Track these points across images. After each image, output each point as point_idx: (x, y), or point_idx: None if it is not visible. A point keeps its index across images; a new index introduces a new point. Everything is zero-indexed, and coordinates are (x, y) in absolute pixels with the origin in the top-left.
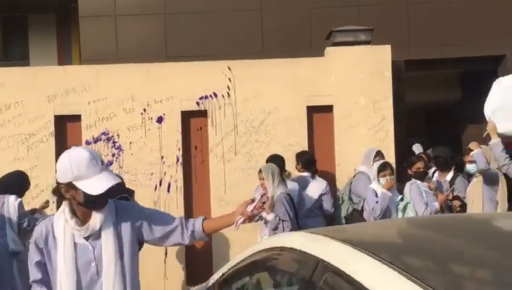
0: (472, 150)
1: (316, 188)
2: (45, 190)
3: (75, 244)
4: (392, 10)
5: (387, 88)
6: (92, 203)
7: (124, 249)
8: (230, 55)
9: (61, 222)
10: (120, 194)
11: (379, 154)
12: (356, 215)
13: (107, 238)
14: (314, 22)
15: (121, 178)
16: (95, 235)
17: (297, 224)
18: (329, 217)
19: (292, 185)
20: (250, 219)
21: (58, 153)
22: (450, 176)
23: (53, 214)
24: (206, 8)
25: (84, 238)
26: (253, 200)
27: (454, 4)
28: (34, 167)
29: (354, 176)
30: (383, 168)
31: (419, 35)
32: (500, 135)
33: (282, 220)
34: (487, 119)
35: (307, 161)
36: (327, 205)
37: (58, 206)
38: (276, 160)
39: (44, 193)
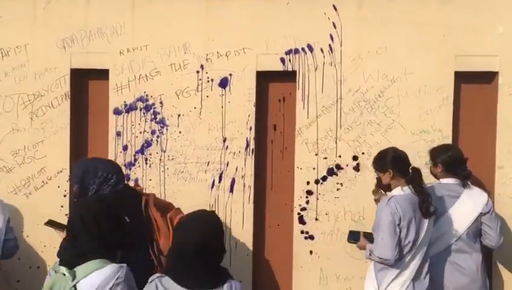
0: None
1: (471, 204)
2: (53, 178)
3: None
4: None
5: None
6: None
7: None
8: None
9: None
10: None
11: None
12: None
13: None
14: None
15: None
16: None
17: None
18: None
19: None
20: None
21: (74, 124)
22: None
23: None
24: None
25: None
26: None
27: None
28: (39, 143)
29: None
30: None
31: None
32: None
33: None
34: None
35: (452, 160)
36: (491, 233)
37: None
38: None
39: (53, 182)
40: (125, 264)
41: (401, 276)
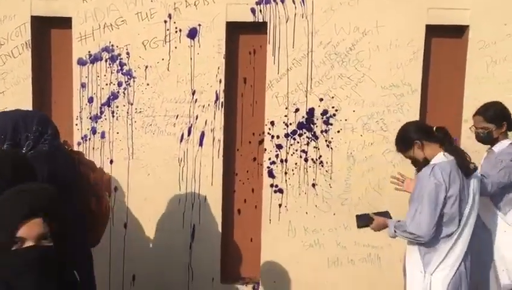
0: None
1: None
2: None
3: None
4: None
5: None
6: None
7: None
8: None
9: None
10: None
11: None
12: None
13: None
14: None
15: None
16: None
17: None
18: None
19: None
20: None
21: (36, 75)
22: None
23: None
24: None
25: None
26: None
27: None
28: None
29: None
30: None
31: None
32: None
33: None
34: None
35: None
36: None
37: None
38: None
39: None
40: None
41: (450, 256)
